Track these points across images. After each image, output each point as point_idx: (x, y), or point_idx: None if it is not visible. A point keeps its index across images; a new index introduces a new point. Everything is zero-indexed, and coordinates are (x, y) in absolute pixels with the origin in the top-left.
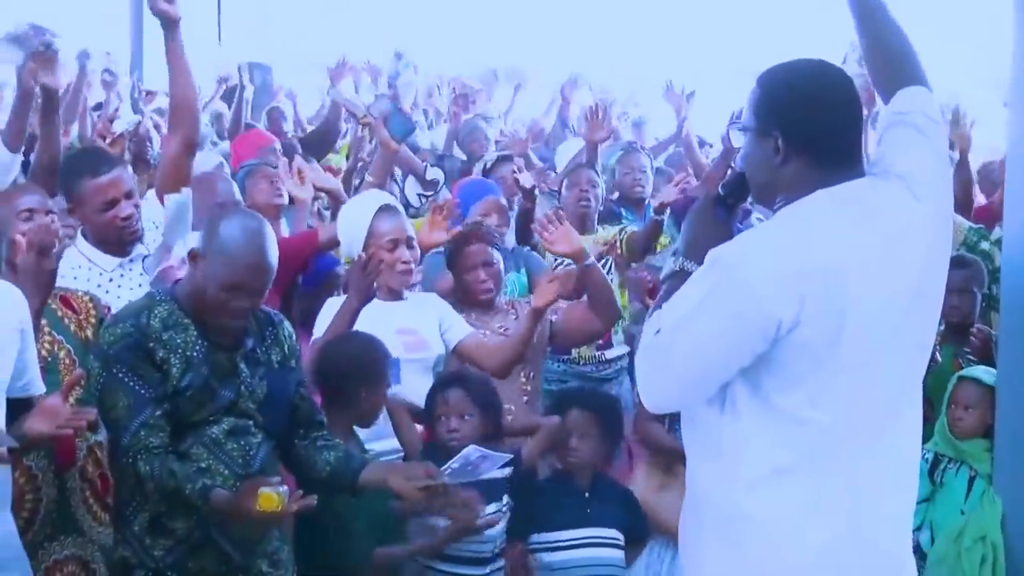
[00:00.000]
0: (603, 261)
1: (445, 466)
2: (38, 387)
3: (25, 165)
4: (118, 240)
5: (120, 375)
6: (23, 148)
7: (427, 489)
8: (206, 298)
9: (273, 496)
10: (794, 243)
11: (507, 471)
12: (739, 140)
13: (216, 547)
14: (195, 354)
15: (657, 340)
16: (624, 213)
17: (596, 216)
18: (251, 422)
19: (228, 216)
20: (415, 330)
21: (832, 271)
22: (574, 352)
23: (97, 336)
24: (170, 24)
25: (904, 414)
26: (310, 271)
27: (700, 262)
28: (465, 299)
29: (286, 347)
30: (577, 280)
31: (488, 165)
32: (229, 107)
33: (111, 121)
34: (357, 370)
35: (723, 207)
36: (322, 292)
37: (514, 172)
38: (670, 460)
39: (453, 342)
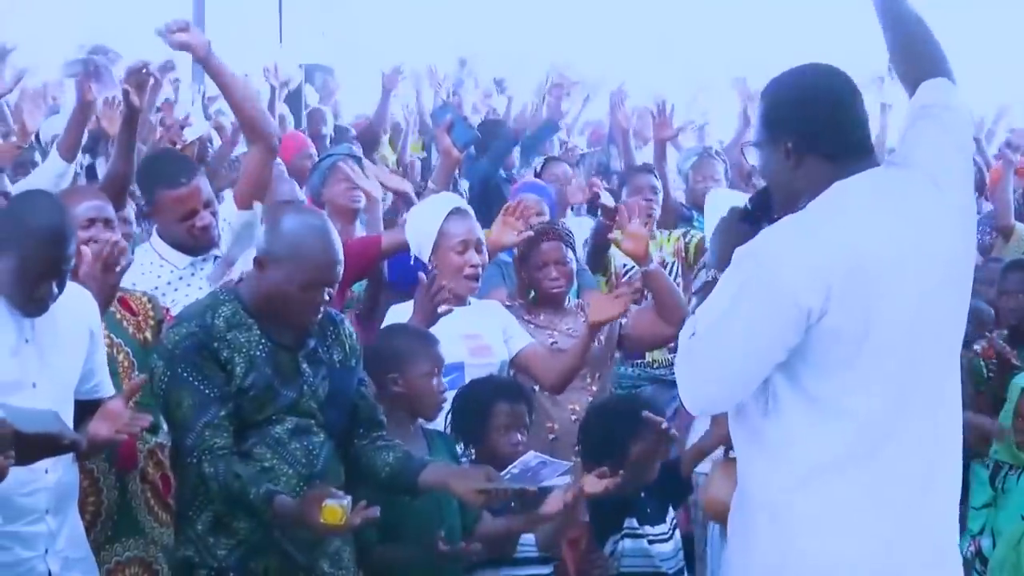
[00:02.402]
0: (668, 266)
1: (505, 471)
2: (107, 390)
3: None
4: (194, 247)
5: (184, 374)
6: (76, 158)
7: (486, 493)
8: (285, 300)
9: (337, 509)
10: (815, 232)
11: (567, 479)
12: (754, 157)
13: (279, 547)
14: (259, 354)
15: (693, 342)
16: (695, 216)
17: (656, 223)
18: (313, 421)
19: (289, 216)
20: (480, 335)
21: (855, 256)
22: (648, 356)
23: (156, 338)
24: (198, 52)
25: (942, 403)
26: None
27: None
28: (535, 298)
29: (347, 346)
30: (643, 284)
31: (538, 169)
32: (291, 110)
33: (182, 128)
34: (383, 356)
35: (749, 220)
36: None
37: (596, 193)
38: None
39: (512, 353)
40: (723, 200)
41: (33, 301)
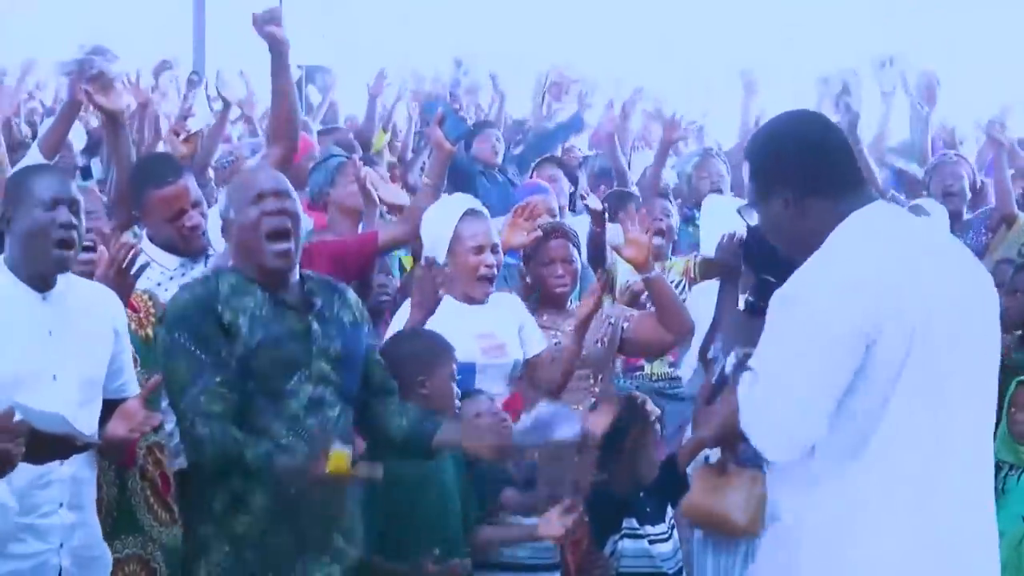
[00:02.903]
0: (677, 284)
1: (517, 423)
2: (133, 389)
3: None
4: (185, 248)
5: (181, 339)
6: (57, 157)
7: (499, 449)
8: (249, 232)
9: (343, 453)
10: (848, 259)
11: (577, 428)
12: (753, 217)
13: (294, 522)
14: (264, 313)
15: (758, 391)
16: (696, 216)
17: (671, 245)
18: (328, 390)
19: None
20: (494, 334)
21: (889, 277)
22: (647, 368)
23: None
24: (278, 46)
25: (979, 409)
26: None
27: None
28: (539, 297)
29: (355, 311)
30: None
31: (532, 168)
32: None
33: (185, 118)
34: (408, 361)
35: (755, 313)
36: None
37: (582, 196)
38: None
39: (526, 355)
40: (719, 206)
41: (57, 253)
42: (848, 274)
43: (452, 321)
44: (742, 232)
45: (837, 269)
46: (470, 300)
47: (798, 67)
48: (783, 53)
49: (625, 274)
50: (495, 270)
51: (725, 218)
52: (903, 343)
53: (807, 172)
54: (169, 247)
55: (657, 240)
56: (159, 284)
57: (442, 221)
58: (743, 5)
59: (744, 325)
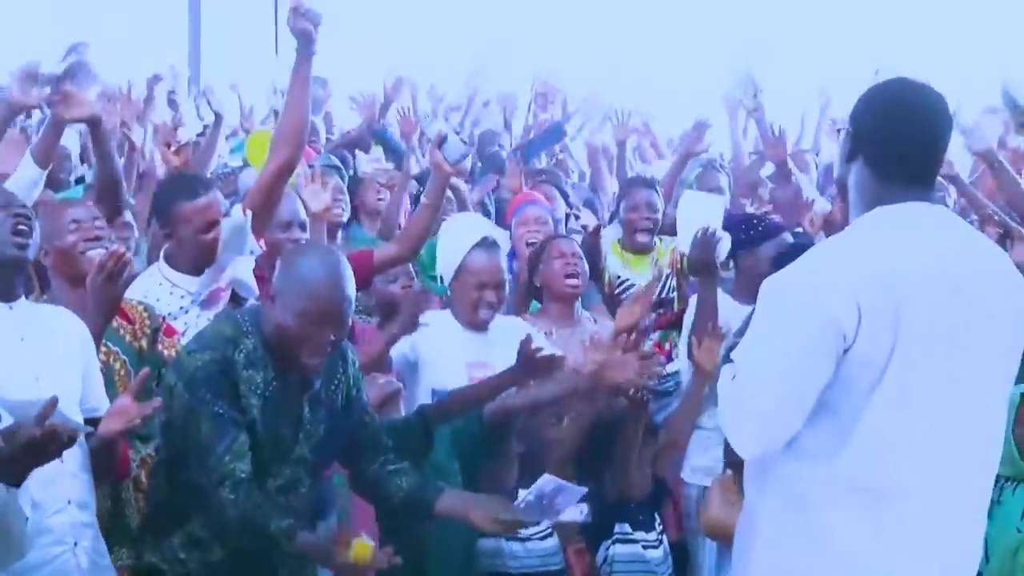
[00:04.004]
0: (665, 277)
1: (520, 500)
2: (105, 408)
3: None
4: (209, 263)
5: (206, 396)
6: (50, 165)
7: (504, 523)
8: (288, 334)
9: (367, 546)
10: (847, 253)
11: (585, 510)
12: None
13: (249, 570)
14: (269, 396)
15: (736, 380)
16: None
17: (654, 236)
18: (303, 470)
19: (303, 252)
20: (487, 363)
21: (885, 276)
22: None
23: (152, 346)
24: (305, 44)
25: (975, 431)
26: None
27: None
28: (547, 303)
29: (351, 378)
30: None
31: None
32: None
33: (175, 129)
34: None
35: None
36: None
37: (577, 216)
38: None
39: None
40: (694, 202)
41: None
42: (837, 266)
43: (447, 344)
44: (716, 227)
45: (827, 260)
46: (470, 326)
47: (792, 75)
48: (776, 62)
49: (616, 268)
50: (493, 310)
51: (699, 213)
52: (881, 344)
53: (866, 132)
54: (190, 267)
55: (642, 234)
56: (182, 308)
57: (453, 247)
58: (738, 13)
59: None
